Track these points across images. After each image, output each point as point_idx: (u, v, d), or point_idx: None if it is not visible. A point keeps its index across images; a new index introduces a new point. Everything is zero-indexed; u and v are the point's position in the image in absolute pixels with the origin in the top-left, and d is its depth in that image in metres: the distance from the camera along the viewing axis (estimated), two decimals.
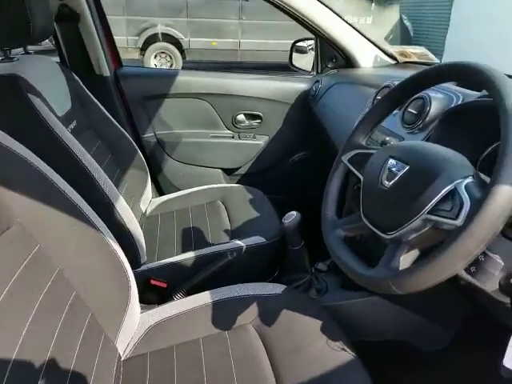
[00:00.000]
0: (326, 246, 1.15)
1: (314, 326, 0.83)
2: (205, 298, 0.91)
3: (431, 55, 1.26)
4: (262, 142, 1.74)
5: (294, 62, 1.81)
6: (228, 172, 1.81)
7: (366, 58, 1.47)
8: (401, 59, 1.41)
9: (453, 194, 0.51)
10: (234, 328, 0.84)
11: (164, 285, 1.07)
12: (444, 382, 1.00)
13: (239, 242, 1.13)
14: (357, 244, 0.73)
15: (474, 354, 1.00)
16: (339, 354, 0.77)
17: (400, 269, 0.55)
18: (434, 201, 0.52)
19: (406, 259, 0.56)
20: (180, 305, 0.91)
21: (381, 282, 0.55)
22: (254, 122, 1.72)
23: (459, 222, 0.47)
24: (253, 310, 0.88)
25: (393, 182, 0.59)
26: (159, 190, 1.78)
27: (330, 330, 0.82)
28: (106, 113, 1.34)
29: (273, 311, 0.86)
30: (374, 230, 0.62)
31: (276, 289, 0.92)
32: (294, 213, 1.04)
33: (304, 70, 1.76)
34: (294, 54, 1.82)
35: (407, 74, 0.70)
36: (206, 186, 1.53)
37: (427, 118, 0.84)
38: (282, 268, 1.21)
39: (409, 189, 0.57)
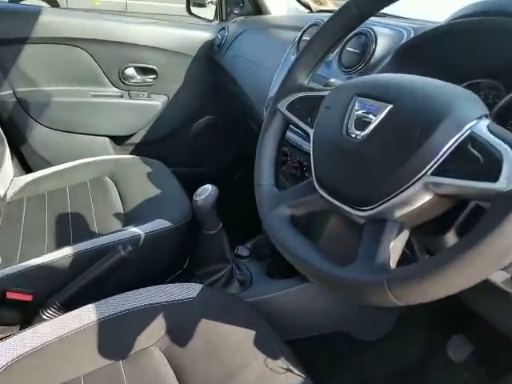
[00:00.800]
0: (248, 227, 0.95)
1: (246, 341, 0.66)
2: (88, 314, 0.70)
3: None
4: (159, 102, 1.51)
5: (192, 10, 1.56)
6: (117, 141, 1.56)
7: (277, 3, 1.34)
8: (315, 8, 1.27)
9: (473, 141, 0.33)
10: (131, 355, 0.65)
11: (28, 297, 0.82)
12: (392, 369, 0.93)
13: (136, 230, 0.91)
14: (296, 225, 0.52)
15: (417, 337, 0.93)
16: (283, 378, 0.60)
17: (392, 265, 0.36)
18: (441, 154, 0.34)
19: (396, 247, 0.37)
20: (52, 327, 0.68)
21: (370, 290, 0.35)
22: (148, 78, 1.48)
23: (503, 184, 0.30)
24: (158, 326, 0.68)
25: (368, 130, 0.41)
26: (24, 166, 1.48)
27: (267, 343, 0.66)
28: None
29: (186, 324, 0.69)
30: (338, 205, 0.43)
31: (190, 291, 0.74)
32: (209, 186, 0.81)
33: (205, 19, 1.52)
34: (192, 8, 1.57)
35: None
36: (88, 159, 1.28)
37: (371, 60, 0.71)
38: (192, 258, 1.01)
39: (395, 139, 0.38)
